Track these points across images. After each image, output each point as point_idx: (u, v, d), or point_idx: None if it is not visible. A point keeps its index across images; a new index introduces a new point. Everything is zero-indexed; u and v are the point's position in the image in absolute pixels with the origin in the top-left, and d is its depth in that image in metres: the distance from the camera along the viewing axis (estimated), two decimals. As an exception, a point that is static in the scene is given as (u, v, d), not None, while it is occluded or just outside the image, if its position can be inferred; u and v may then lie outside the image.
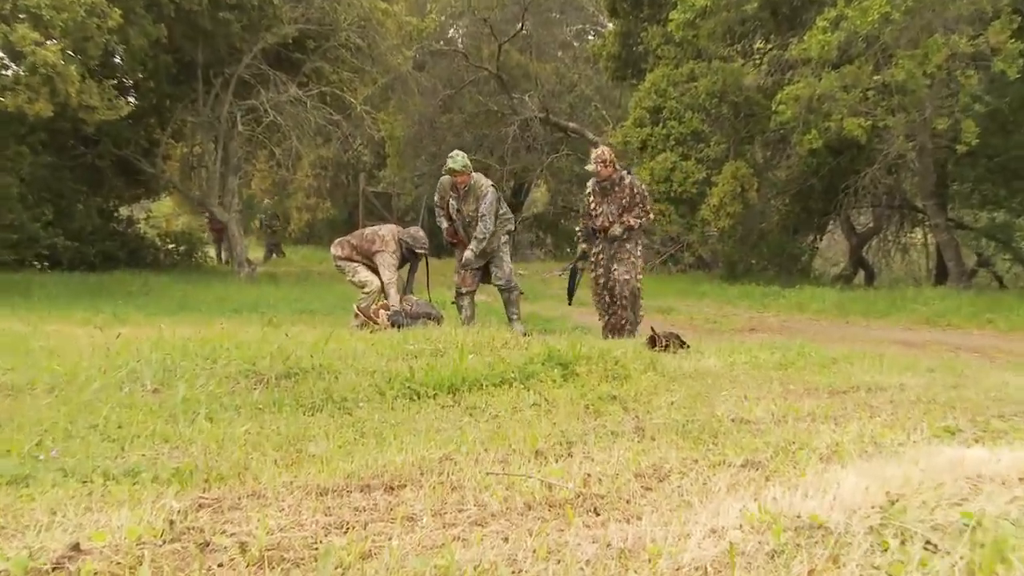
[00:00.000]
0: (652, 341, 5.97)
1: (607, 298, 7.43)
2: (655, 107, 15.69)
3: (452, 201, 7.51)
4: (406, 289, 7.67)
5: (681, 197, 15.19)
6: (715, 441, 3.25)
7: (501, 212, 7.48)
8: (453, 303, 7.76)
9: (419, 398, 4.01)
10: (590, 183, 7.41)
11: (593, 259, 7.53)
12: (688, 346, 6.08)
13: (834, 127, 12.19)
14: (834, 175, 15.21)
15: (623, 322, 7.35)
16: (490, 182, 7.51)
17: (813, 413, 3.78)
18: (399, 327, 7.05)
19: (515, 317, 7.76)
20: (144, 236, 17.49)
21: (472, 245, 7.38)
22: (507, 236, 7.59)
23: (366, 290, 7.62)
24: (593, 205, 7.37)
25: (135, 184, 16.95)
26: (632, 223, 7.25)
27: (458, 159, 7.37)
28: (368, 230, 7.80)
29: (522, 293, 7.89)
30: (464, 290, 7.67)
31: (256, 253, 22.64)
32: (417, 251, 7.64)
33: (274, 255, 22.47)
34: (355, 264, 7.65)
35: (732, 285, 14.35)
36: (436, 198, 7.65)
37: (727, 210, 14.51)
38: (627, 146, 15.94)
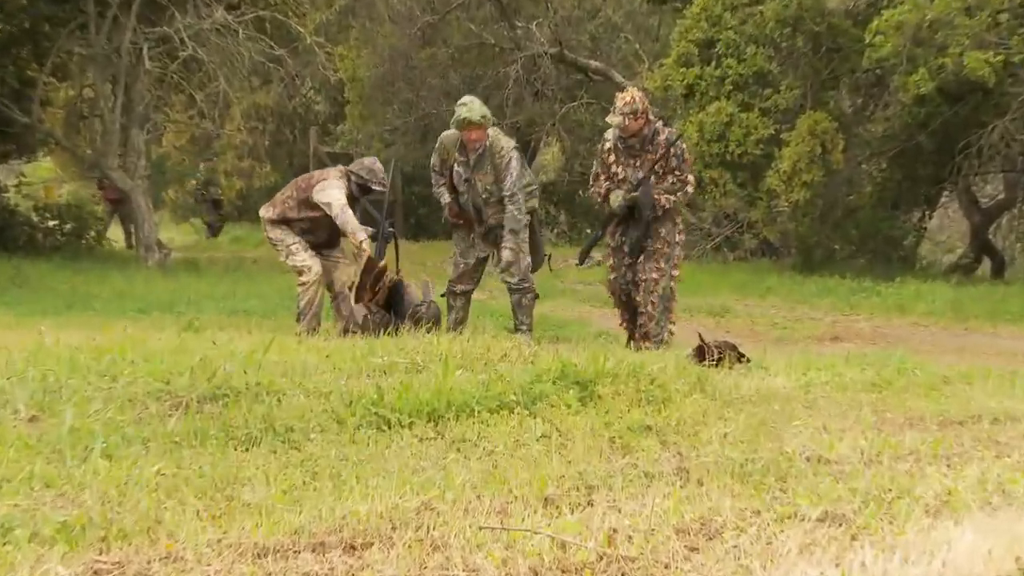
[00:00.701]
0: (700, 353, 5.99)
1: (625, 300, 7.48)
2: (706, 40, 15.74)
3: (458, 167, 7.53)
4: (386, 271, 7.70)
5: (740, 161, 15.24)
6: (783, 487, 3.27)
7: (524, 183, 7.53)
8: (443, 296, 7.78)
9: (390, 428, 4.03)
10: (610, 135, 7.43)
11: (612, 247, 7.53)
12: (748, 360, 6.10)
13: (951, 64, 12.20)
14: (950, 130, 15.20)
15: (647, 331, 7.37)
16: (513, 143, 7.57)
17: (917, 451, 3.80)
18: (375, 327, 7.14)
19: (524, 327, 7.71)
20: (15, 209, 17.35)
21: (507, 241, 7.43)
22: (528, 215, 7.62)
23: (303, 279, 7.66)
24: (614, 167, 7.37)
25: (2, 139, 16.80)
26: (664, 202, 7.28)
27: (474, 107, 7.41)
28: (305, 175, 7.98)
29: (538, 296, 7.88)
30: (460, 288, 7.72)
31: (168, 233, 22.69)
32: (373, 187, 7.71)
33: (213, 235, 22.57)
34: (292, 242, 7.71)
35: (808, 278, 14.39)
36: (434, 160, 7.69)
37: (802, 178, 14.56)
38: (668, 92, 15.99)
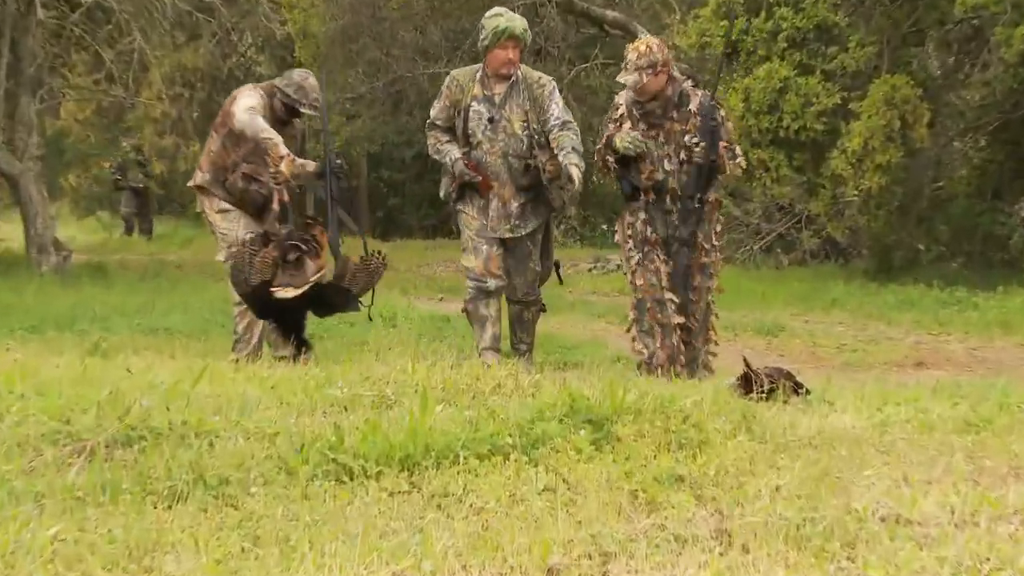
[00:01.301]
0: (746, 383, 6.00)
1: (665, 316, 7.39)
2: (754, -17, 15.79)
3: (478, 106, 7.54)
4: (331, 235, 7.71)
5: (797, 138, 15.27)
6: (851, 555, 3.27)
7: None
8: (463, 312, 7.87)
9: (352, 479, 4.04)
10: (622, 99, 7.44)
11: (639, 240, 7.48)
12: (807, 391, 6.11)
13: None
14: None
15: (698, 354, 7.38)
16: (549, 77, 7.77)
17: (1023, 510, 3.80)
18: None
19: (524, 347, 7.87)
20: None
21: (573, 156, 7.24)
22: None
23: (239, 299, 7.57)
24: (611, 165, 7.46)
25: None
26: (729, 166, 7.37)
27: (515, 18, 7.56)
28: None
29: (544, 310, 8.03)
30: (492, 283, 7.62)
31: (68, 230, 22.65)
32: (302, 109, 7.73)
33: (135, 232, 22.42)
34: (226, 213, 7.75)
35: (885, 286, 14.43)
36: (436, 110, 7.68)
37: (876, 160, 14.60)
38: (705, 51, 16.01)
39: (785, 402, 5.81)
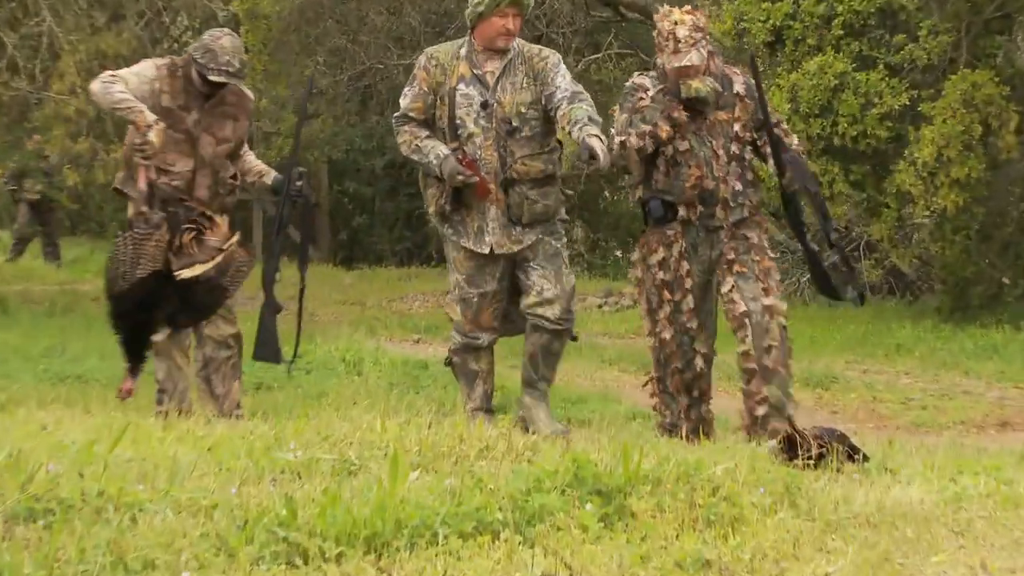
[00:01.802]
0: (790, 446, 6.01)
1: (695, 382, 7.34)
2: (803, -42, 15.85)
3: (467, 89, 7.28)
4: (269, 266, 7.74)
5: (855, 147, 15.30)
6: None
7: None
8: (446, 364, 7.77)
9: (306, 562, 4.04)
10: (647, 83, 7.34)
11: (658, 289, 7.39)
12: (865, 458, 6.12)
13: None
14: None
15: (766, 406, 7.24)
16: (551, 50, 7.70)
17: None
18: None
19: (544, 386, 7.56)
20: None
21: (591, 128, 6.96)
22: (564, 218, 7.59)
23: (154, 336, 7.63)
24: (664, 135, 7.26)
25: None
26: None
27: None
28: None
29: (575, 338, 7.80)
30: (483, 338, 7.44)
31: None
32: (209, 76, 7.60)
33: (46, 257, 22.25)
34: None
35: (961, 329, 14.44)
36: (409, 99, 7.41)
37: (953, 173, 14.64)
38: (743, 40, 16.04)
39: (837, 470, 5.82)
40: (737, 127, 7.26)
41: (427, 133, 7.41)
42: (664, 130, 7.11)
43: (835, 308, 16.69)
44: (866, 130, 15.13)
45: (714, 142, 7.22)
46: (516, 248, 7.33)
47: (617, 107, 7.51)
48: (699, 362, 7.34)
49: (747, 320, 7.18)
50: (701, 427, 7.32)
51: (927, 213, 15.14)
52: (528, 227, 7.33)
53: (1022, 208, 16.15)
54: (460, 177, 7.19)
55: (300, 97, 20.85)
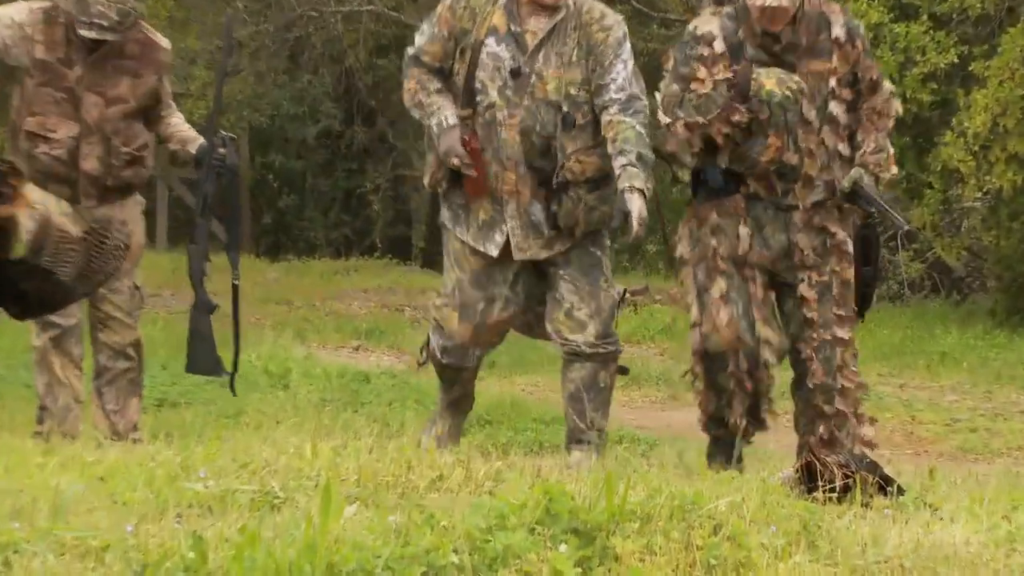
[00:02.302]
0: (809, 475, 6.04)
1: (759, 376, 7.22)
2: None
3: (496, 47, 6.97)
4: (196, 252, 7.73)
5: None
6: None
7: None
8: (420, 361, 7.55)
9: (218, 617, 4.05)
10: (715, 30, 7.01)
11: (717, 267, 7.25)
12: (901, 491, 6.16)
13: None
14: None
15: (836, 432, 7.24)
16: (619, 17, 7.24)
17: None
18: None
19: (595, 436, 7.16)
20: None
21: (636, 180, 6.65)
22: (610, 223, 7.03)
23: (34, 341, 7.62)
24: (719, 139, 6.90)
25: None
26: (883, 166, 7.05)
27: None
28: None
29: (627, 371, 7.72)
30: (472, 359, 7.28)
31: None
32: (79, 30, 7.54)
33: None
34: None
35: (1020, 334, 14.50)
36: (426, 38, 7.09)
37: (1010, 146, 14.69)
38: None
39: (866, 505, 5.85)
40: (833, 82, 7.02)
41: (438, 85, 7.16)
42: (721, 132, 6.90)
43: (869, 310, 16.74)
44: (905, 93, 15.16)
45: (803, 102, 6.96)
46: (544, 255, 7.12)
47: (670, 56, 7.28)
48: (766, 354, 7.13)
49: (821, 343, 7.12)
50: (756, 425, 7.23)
51: (979, 195, 15.21)
52: (568, 233, 7.10)
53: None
54: (455, 160, 6.96)
55: (219, 49, 20.85)
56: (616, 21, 7.10)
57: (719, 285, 7.09)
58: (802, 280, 7.09)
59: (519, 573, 4.35)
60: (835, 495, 5.87)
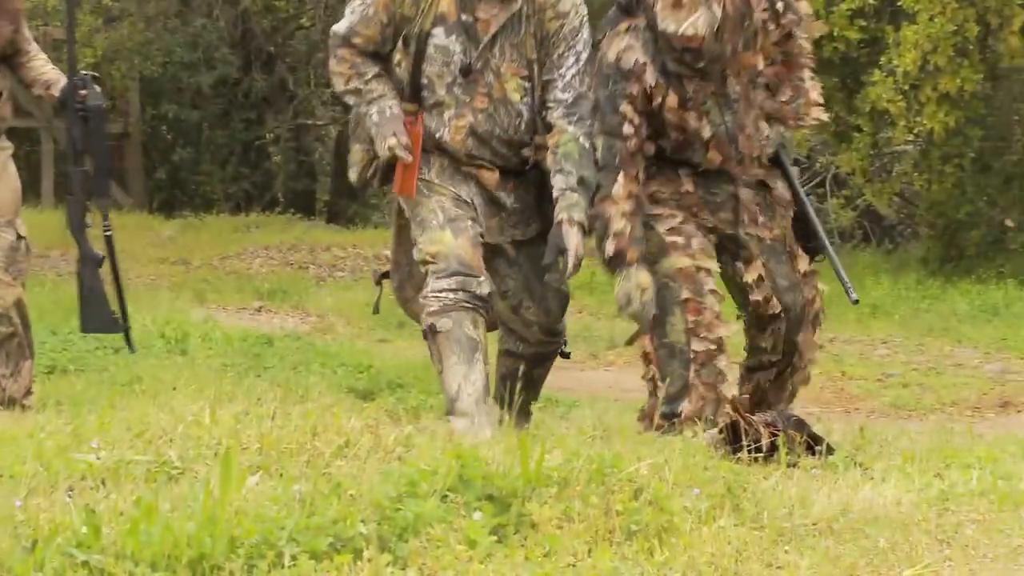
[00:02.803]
0: (734, 435, 6.08)
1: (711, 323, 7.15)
2: None
3: (446, 38, 6.73)
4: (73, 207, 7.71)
5: (817, 53, 15.27)
6: None
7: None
8: (426, 336, 7.27)
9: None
10: (640, 56, 6.90)
11: (667, 190, 7.15)
12: (830, 449, 6.20)
13: None
14: None
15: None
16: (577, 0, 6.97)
17: None
18: None
19: (527, 413, 7.21)
20: None
21: (574, 211, 6.62)
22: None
23: None
24: (674, 112, 6.85)
25: None
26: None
27: None
28: None
29: (568, 354, 7.60)
30: (483, 281, 6.80)
31: None
32: None
33: None
34: None
35: (953, 284, 14.60)
36: (356, 18, 6.80)
37: (942, 85, 14.76)
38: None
39: (793, 465, 5.89)
40: (763, 65, 6.97)
41: (376, 70, 6.92)
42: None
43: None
44: (832, 31, 15.21)
45: (740, 104, 6.92)
46: (518, 236, 7.07)
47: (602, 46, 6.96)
48: (711, 300, 6.93)
49: (790, 314, 7.15)
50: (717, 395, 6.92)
51: (909, 138, 15.28)
52: (530, 221, 7.04)
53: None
54: (393, 145, 6.72)
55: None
56: (574, 5, 6.87)
57: (667, 223, 6.98)
58: (757, 243, 7.09)
59: (431, 543, 4.35)
60: (761, 456, 5.92)
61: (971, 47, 14.72)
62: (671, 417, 6.80)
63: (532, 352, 7.17)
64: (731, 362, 7.04)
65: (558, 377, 9.11)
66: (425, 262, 6.79)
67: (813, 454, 6.10)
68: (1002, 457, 6.15)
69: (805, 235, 7.27)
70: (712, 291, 6.91)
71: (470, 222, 6.80)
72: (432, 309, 6.73)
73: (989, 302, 13.63)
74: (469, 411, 6.68)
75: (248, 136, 26.82)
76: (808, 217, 7.29)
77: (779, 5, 6.91)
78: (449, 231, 6.73)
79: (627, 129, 6.78)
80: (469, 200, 6.88)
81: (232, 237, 21.47)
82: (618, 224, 6.73)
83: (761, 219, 7.10)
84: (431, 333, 6.78)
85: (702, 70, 6.76)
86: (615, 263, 6.78)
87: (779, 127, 7.04)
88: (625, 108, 6.78)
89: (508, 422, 6.39)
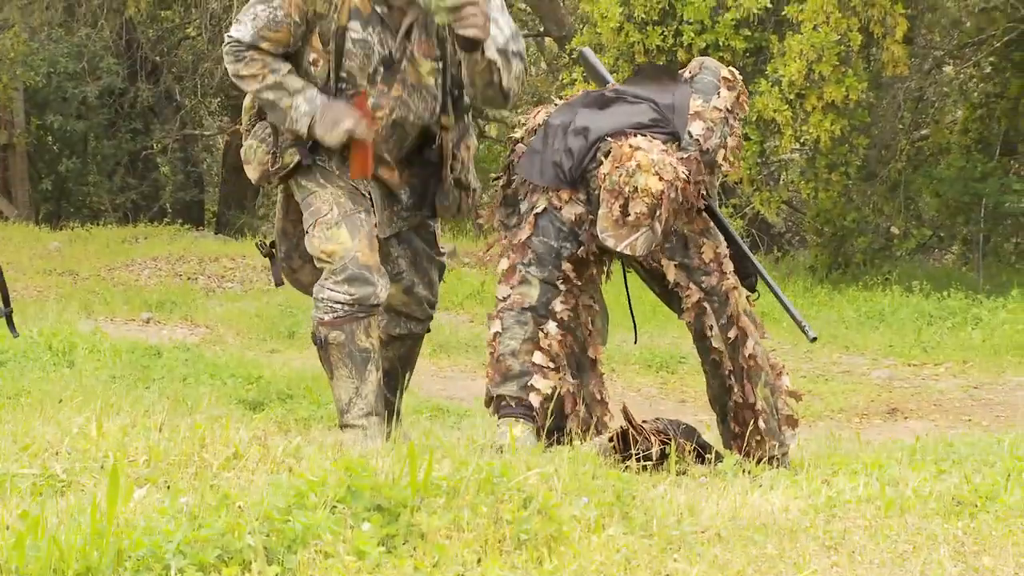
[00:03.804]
0: (623, 443, 6.10)
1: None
2: None
3: (362, 33, 6.62)
4: None
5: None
6: None
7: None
8: (315, 341, 7.07)
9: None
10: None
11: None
12: (719, 457, 6.23)
13: None
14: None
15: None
16: None
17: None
18: None
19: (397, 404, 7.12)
20: None
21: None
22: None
23: None
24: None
25: None
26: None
27: None
28: None
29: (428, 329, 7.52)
30: (378, 281, 6.66)
31: None
32: None
33: None
34: None
35: (840, 291, 14.70)
36: (263, 22, 6.59)
37: (827, 94, 14.85)
38: None
39: (682, 473, 5.92)
40: None
41: (289, 66, 6.77)
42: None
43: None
44: (718, 40, 15.28)
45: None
46: (390, 231, 6.98)
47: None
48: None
49: (730, 367, 7.06)
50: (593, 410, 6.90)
51: (796, 146, 15.37)
52: (409, 209, 7.01)
53: (914, 137, 16.44)
54: (351, 127, 6.61)
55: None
56: None
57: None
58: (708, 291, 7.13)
59: (319, 554, 4.35)
60: (650, 464, 5.93)
61: (855, 56, 14.82)
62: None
63: (420, 329, 7.13)
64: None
65: (449, 386, 9.12)
66: (320, 259, 6.69)
67: (702, 462, 6.13)
68: (889, 463, 6.19)
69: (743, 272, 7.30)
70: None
71: (364, 215, 6.70)
72: (324, 319, 6.67)
73: (876, 309, 13.72)
74: (359, 423, 6.64)
75: (135, 146, 26.73)
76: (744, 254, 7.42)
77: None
78: (345, 229, 6.65)
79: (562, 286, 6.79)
80: (366, 193, 6.75)
81: (120, 248, 21.36)
82: None
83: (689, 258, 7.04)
84: (323, 344, 6.71)
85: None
86: None
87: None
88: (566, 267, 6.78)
89: (397, 434, 6.42)
